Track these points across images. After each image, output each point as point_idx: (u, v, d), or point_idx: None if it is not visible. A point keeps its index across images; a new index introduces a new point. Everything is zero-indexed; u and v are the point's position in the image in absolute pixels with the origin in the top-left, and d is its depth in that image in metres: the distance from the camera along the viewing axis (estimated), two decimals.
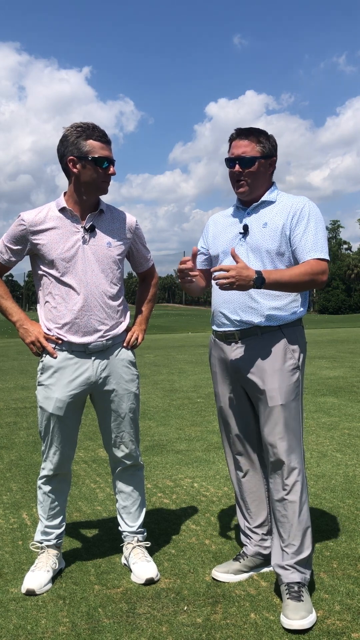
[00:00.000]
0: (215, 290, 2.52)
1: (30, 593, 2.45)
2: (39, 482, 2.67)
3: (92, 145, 2.44)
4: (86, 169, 2.46)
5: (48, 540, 2.66)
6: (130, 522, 2.72)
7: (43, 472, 2.65)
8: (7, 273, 3.05)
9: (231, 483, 3.67)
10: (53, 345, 2.55)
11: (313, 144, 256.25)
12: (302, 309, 2.44)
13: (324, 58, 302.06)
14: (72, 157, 2.45)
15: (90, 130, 2.46)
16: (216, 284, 2.21)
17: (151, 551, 2.83)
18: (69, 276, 2.50)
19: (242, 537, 2.66)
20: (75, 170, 2.47)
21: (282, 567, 2.31)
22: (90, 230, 2.53)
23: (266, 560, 2.60)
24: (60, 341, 2.53)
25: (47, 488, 2.65)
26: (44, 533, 2.66)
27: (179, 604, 2.34)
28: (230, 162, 2.44)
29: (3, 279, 2.71)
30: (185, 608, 2.31)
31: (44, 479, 2.65)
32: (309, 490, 3.66)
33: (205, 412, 6.40)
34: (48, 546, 2.65)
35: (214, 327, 2.54)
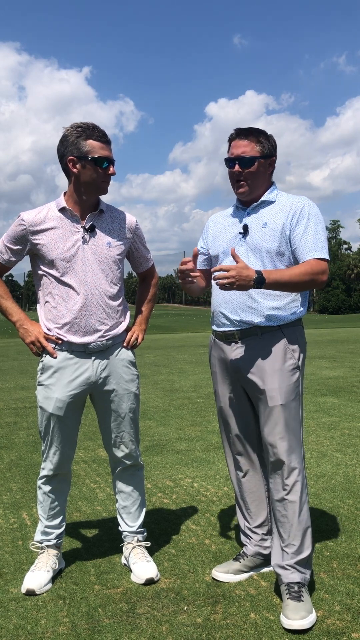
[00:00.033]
0: (215, 290, 2.52)
1: (30, 593, 2.45)
2: (39, 482, 2.67)
3: (92, 145, 2.45)
4: (86, 169, 2.46)
5: (48, 540, 2.66)
6: (130, 522, 2.72)
7: (43, 472, 2.65)
8: (7, 273, 3.05)
9: (231, 483, 3.66)
10: (53, 345, 2.55)
11: (313, 144, 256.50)
12: (302, 309, 2.44)
13: (324, 58, 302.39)
14: (72, 157, 2.46)
15: (90, 130, 2.46)
16: (216, 284, 2.21)
17: (151, 551, 2.83)
18: (69, 276, 2.50)
19: (242, 537, 2.66)
20: (75, 170, 2.47)
21: (282, 567, 2.31)
22: (90, 230, 2.53)
23: (266, 560, 2.60)
24: (60, 341, 2.53)
25: (47, 488, 2.65)
26: (44, 533, 2.66)
27: (179, 604, 2.34)
28: (229, 162, 2.44)
29: (3, 279, 2.71)
30: (185, 608, 2.31)
31: (44, 479, 2.65)
32: (309, 490, 3.66)
33: (205, 412, 6.40)
34: (48, 546, 2.65)
35: (214, 327, 2.54)
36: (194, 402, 7.09)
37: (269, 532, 2.60)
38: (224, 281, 2.17)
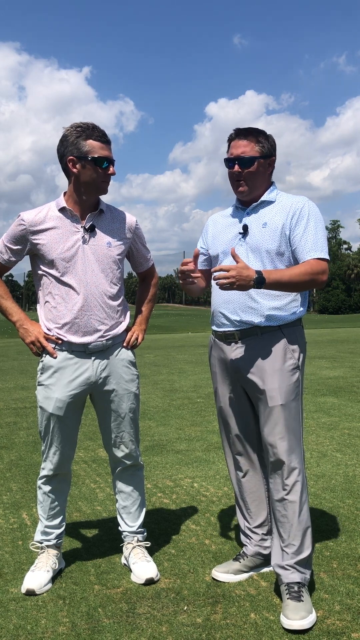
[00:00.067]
0: (215, 290, 2.52)
1: (30, 593, 2.45)
2: (39, 482, 2.67)
3: (91, 145, 2.45)
4: (86, 169, 2.46)
5: (48, 540, 2.66)
6: (130, 522, 2.72)
7: (43, 472, 2.65)
8: (7, 273, 3.05)
9: (231, 483, 3.66)
10: (53, 345, 2.55)
11: (313, 144, 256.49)
12: (302, 308, 2.44)
13: (324, 58, 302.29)
14: (71, 157, 2.46)
15: (90, 130, 2.46)
16: (216, 284, 2.21)
17: (151, 551, 2.83)
18: (69, 276, 2.50)
19: (242, 537, 2.66)
20: (75, 170, 2.47)
21: (282, 567, 2.31)
22: (90, 230, 2.53)
23: (266, 560, 2.60)
24: (60, 341, 2.53)
25: (47, 488, 2.65)
26: (44, 533, 2.66)
27: (179, 604, 2.34)
28: (229, 162, 2.44)
29: (3, 279, 2.71)
30: (185, 608, 2.31)
31: (44, 479, 2.65)
32: (309, 490, 3.66)
33: (205, 412, 6.40)
34: (48, 546, 2.65)
35: (214, 328, 2.54)
36: (194, 402, 7.09)
37: (269, 532, 2.60)
38: (224, 281, 2.17)
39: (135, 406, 2.67)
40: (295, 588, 2.25)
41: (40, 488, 2.67)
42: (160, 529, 3.14)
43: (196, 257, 2.38)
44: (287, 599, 2.22)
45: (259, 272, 2.20)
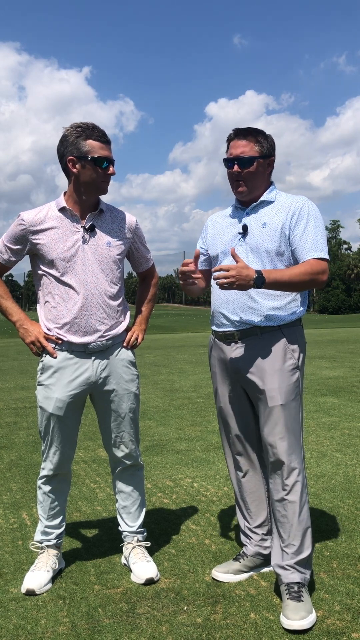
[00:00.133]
0: (215, 290, 2.52)
1: (30, 593, 2.45)
2: (39, 482, 2.67)
3: (91, 145, 2.45)
4: (86, 169, 2.46)
5: (48, 540, 2.66)
6: (130, 522, 2.72)
7: (43, 472, 2.65)
8: (7, 273, 3.05)
9: (231, 483, 3.67)
10: (53, 345, 2.55)
11: (313, 144, 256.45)
12: (301, 308, 2.44)
13: (324, 58, 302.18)
14: (71, 157, 2.46)
15: (90, 130, 2.46)
16: (216, 283, 2.21)
17: (151, 551, 2.83)
18: (69, 276, 2.50)
19: (242, 537, 2.66)
20: (74, 170, 2.47)
21: (282, 567, 2.31)
22: (90, 230, 2.53)
23: (266, 560, 2.60)
24: (60, 341, 2.53)
25: (47, 488, 2.65)
26: (44, 533, 2.66)
27: (179, 604, 2.34)
28: (228, 162, 2.44)
29: (3, 279, 2.71)
30: (185, 608, 2.31)
31: (44, 479, 2.65)
32: (309, 490, 3.66)
33: (205, 412, 6.40)
34: (48, 546, 2.65)
35: (214, 328, 2.54)
36: (194, 402, 7.09)
37: (269, 532, 2.60)
38: (224, 281, 2.17)
39: (135, 406, 2.67)
40: (295, 588, 2.25)
41: (40, 488, 2.67)
42: (160, 529, 3.14)
43: (197, 257, 2.38)
44: (287, 599, 2.22)
45: (258, 272, 2.20)
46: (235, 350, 2.44)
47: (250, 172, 2.40)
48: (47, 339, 2.55)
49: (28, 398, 7.63)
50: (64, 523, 2.70)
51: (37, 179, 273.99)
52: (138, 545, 2.69)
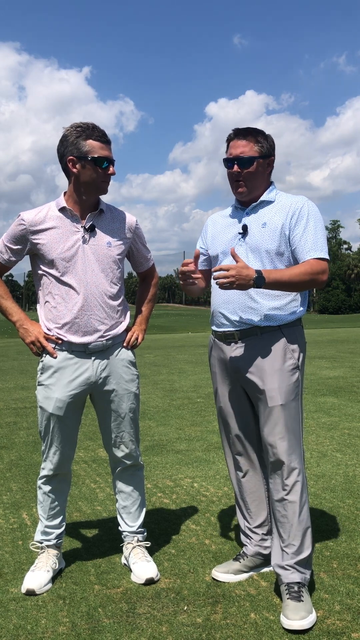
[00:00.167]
0: (215, 290, 2.52)
1: (30, 593, 2.45)
2: (39, 482, 2.67)
3: (91, 145, 2.45)
4: (86, 169, 2.46)
5: (48, 540, 2.66)
6: (130, 522, 2.72)
7: (43, 472, 2.65)
8: (7, 273, 3.05)
9: (231, 483, 3.67)
10: (53, 345, 2.55)
11: (313, 144, 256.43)
12: (301, 308, 2.44)
13: (324, 58, 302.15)
14: (71, 157, 2.46)
15: (90, 130, 2.46)
16: (216, 283, 2.21)
17: (151, 551, 2.83)
18: (69, 276, 2.50)
19: (242, 537, 2.66)
20: (74, 170, 2.47)
21: (282, 567, 2.31)
22: (90, 230, 2.53)
23: (266, 560, 2.60)
24: (60, 341, 2.53)
25: (47, 488, 2.65)
26: (44, 533, 2.66)
27: (179, 604, 2.34)
28: (228, 162, 2.44)
29: (3, 279, 2.71)
30: (185, 608, 2.31)
31: (44, 479, 2.65)
32: (309, 490, 3.66)
33: (205, 412, 6.40)
34: (48, 546, 2.65)
35: (214, 328, 2.54)
36: (194, 402, 7.09)
37: (269, 532, 2.60)
38: (224, 280, 2.17)
39: (135, 406, 2.67)
40: (295, 588, 2.25)
41: (40, 488, 2.67)
42: (160, 529, 3.14)
43: (196, 257, 2.38)
44: (287, 599, 2.22)
45: (258, 272, 2.20)
46: (235, 350, 2.44)
47: (250, 172, 2.40)
48: (47, 339, 2.55)
49: (28, 398, 7.63)
50: (64, 523, 2.70)
51: (37, 179, 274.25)
52: (138, 545, 2.69)
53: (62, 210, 2.54)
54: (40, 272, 2.57)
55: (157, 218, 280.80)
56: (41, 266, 2.56)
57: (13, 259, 2.61)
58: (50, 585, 2.52)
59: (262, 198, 2.45)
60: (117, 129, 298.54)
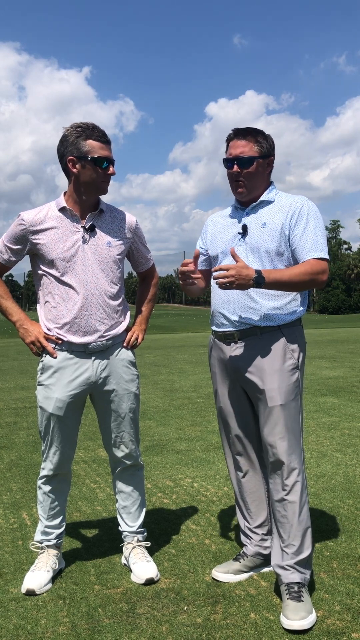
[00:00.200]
0: (215, 290, 2.52)
1: (30, 593, 2.45)
2: (39, 482, 2.67)
3: (91, 145, 2.45)
4: (86, 169, 2.46)
5: (48, 540, 2.66)
6: (130, 522, 2.72)
7: (43, 472, 2.65)
8: (7, 273, 3.05)
9: (231, 483, 3.67)
10: (53, 345, 2.55)
11: (313, 144, 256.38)
12: (301, 308, 2.44)
13: (324, 58, 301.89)
14: (71, 157, 2.46)
15: (90, 130, 2.46)
16: (216, 283, 2.21)
17: (151, 551, 2.83)
18: (69, 276, 2.50)
19: (242, 537, 2.66)
20: (74, 170, 2.47)
21: (282, 567, 2.31)
22: (90, 230, 2.54)
23: (266, 560, 2.60)
24: (60, 341, 2.53)
25: (47, 488, 2.65)
26: (44, 533, 2.66)
27: (179, 604, 2.34)
28: (228, 162, 2.44)
29: (3, 279, 2.71)
30: (185, 608, 2.31)
31: (44, 479, 2.65)
32: (309, 490, 3.66)
33: (205, 412, 6.40)
34: (48, 546, 2.65)
35: (214, 328, 2.54)
36: (194, 402, 7.09)
37: (269, 532, 2.60)
38: (224, 280, 2.17)
39: (135, 406, 2.67)
40: (295, 588, 2.25)
41: (40, 488, 2.67)
42: (160, 529, 3.14)
43: (196, 257, 2.38)
44: (287, 599, 2.22)
45: (258, 272, 2.20)
46: (235, 350, 2.44)
47: (250, 172, 2.40)
48: (47, 339, 2.55)
49: (28, 398, 7.63)
50: (64, 523, 2.70)
51: (37, 179, 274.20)
52: (138, 545, 2.69)
53: (62, 210, 2.54)
54: (40, 272, 2.57)
55: (157, 218, 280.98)
56: (41, 266, 2.56)
57: (13, 259, 2.61)
58: (50, 585, 2.52)
59: (262, 198, 2.45)
60: (117, 129, 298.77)
